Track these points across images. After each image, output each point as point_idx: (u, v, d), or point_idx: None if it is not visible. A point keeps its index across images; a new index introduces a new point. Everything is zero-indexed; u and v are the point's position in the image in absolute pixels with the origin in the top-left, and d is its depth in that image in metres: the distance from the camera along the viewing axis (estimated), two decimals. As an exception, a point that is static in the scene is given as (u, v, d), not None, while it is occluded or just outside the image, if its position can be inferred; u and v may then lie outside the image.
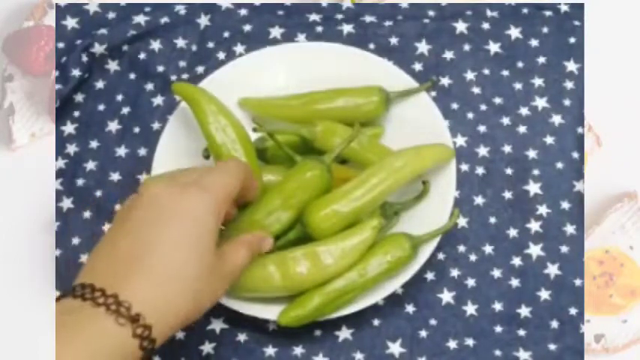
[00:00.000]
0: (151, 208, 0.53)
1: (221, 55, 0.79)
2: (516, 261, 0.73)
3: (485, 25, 0.80)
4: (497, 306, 0.71)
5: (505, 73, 0.79)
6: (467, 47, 0.79)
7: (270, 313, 0.67)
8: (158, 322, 0.51)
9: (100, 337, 0.49)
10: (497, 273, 0.72)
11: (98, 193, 0.75)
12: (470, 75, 0.78)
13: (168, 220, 0.53)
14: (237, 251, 0.59)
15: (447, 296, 0.71)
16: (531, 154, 0.76)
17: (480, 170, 0.75)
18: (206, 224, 0.54)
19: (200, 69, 0.79)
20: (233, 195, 0.58)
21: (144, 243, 0.52)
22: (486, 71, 0.79)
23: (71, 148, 0.77)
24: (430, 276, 0.72)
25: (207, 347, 0.69)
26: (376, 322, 0.70)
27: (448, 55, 0.79)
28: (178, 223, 0.53)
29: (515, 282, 0.72)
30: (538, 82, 0.78)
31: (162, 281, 0.51)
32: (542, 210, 0.74)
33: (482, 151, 0.76)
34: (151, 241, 0.52)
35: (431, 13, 0.81)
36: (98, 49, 0.79)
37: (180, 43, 0.80)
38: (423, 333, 0.70)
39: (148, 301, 0.50)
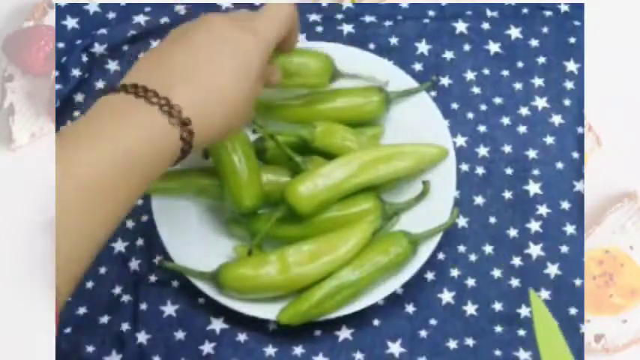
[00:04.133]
0: (208, 32, 0.56)
1: (221, 55, 0.79)
2: (516, 261, 0.73)
3: (486, 25, 0.80)
4: (497, 306, 0.71)
5: (505, 73, 0.79)
6: (467, 47, 0.79)
7: (270, 313, 0.67)
8: (199, 130, 0.53)
9: (151, 129, 0.51)
10: (497, 273, 0.72)
11: (98, 193, 0.74)
12: (470, 75, 0.78)
13: (221, 45, 0.56)
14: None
15: (447, 296, 0.71)
16: (531, 154, 0.76)
17: (480, 170, 0.75)
18: (253, 60, 0.57)
19: (200, 69, 0.79)
20: (279, 40, 0.60)
21: (195, 59, 0.55)
22: (486, 71, 0.79)
23: (71, 148, 0.77)
24: (430, 276, 0.72)
25: (207, 347, 0.69)
26: (376, 322, 0.70)
27: (448, 55, 0.79)
28: (229, 51, 0.56)
29: (515, 282, 0.72)
30: (538, 82, 0.78)
31: (208, 96, 0.54)
32: (542, 210, 0.74)
33: (483, 151, 0.76)
34: (203, 59, 0.55)
35: (431, 13, 0.81)
36: (98, 49, 0.79)
37: (180, 43, 0.80)
38: (423, 333, 0.70)
39: (194, 108, 0.53)
